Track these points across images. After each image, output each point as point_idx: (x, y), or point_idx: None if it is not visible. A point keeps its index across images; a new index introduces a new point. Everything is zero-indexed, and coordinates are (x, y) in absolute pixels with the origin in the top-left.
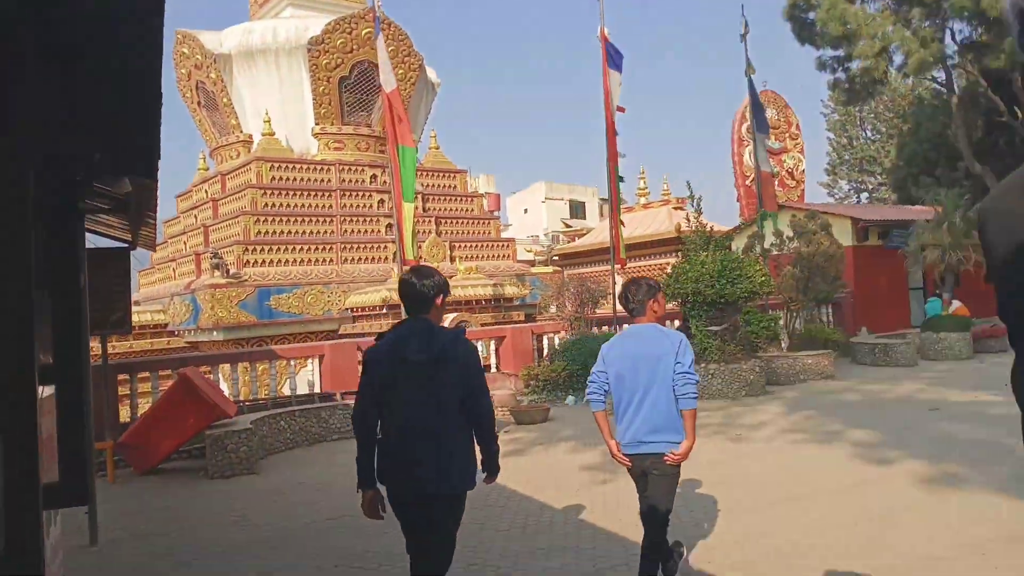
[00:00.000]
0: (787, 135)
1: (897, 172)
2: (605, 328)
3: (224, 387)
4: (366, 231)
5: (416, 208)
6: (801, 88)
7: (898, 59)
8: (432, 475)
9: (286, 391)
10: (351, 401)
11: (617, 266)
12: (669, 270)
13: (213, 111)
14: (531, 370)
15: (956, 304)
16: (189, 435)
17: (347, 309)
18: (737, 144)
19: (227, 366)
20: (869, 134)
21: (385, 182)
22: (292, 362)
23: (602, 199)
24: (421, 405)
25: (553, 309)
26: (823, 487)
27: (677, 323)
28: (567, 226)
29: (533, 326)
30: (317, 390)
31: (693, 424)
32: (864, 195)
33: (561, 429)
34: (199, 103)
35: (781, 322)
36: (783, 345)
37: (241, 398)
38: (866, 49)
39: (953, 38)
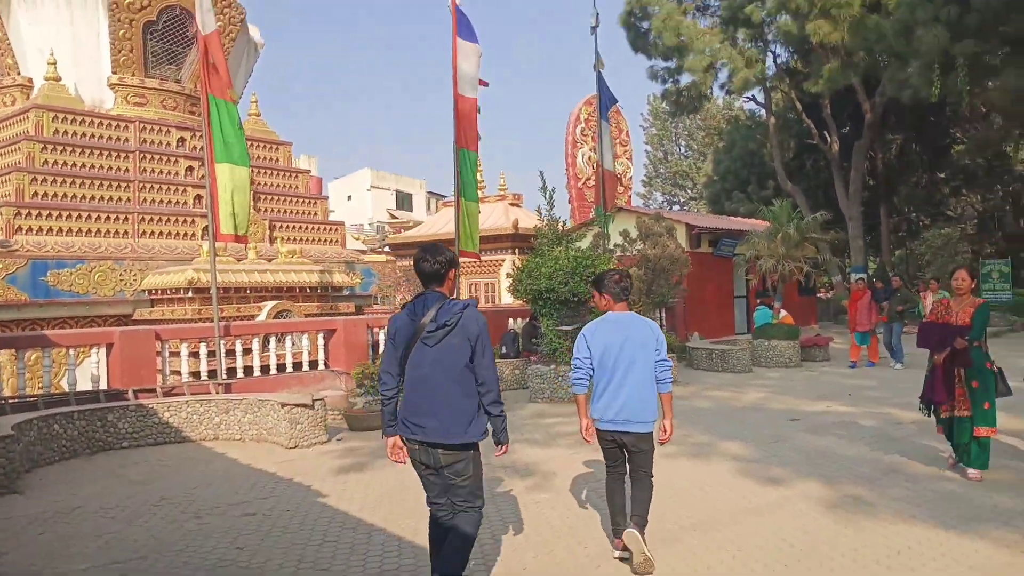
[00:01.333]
0: (617, 141)
1: (712, 186)
2: None
3: None
4: (171, 201)
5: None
6: (626, 98)
7: (722, 76)
8: (436, 425)
9: (64, 386)
10: (148, 399)
11: (466, 258)
12: (517, 264)
13: None
14: (365, 368)
15: (783, 313)
16: None
17: (144, 291)
18: (571, 146)
19: None
20: (683, 150)
21: (195, 147)
22: (72, 352)
23: (431, 192)
24: (432, 364)
25: (398, 300)
26: (724, 512)
27: (521, 321)
28: (393, 217)
29: (369, 319)
30: (103, 386)
31: (671, 405)
32: (676, 207)
33: None
34: None
35: None
36: None
37: (5, 394)
38: (696, 63)
39: (775, 61)
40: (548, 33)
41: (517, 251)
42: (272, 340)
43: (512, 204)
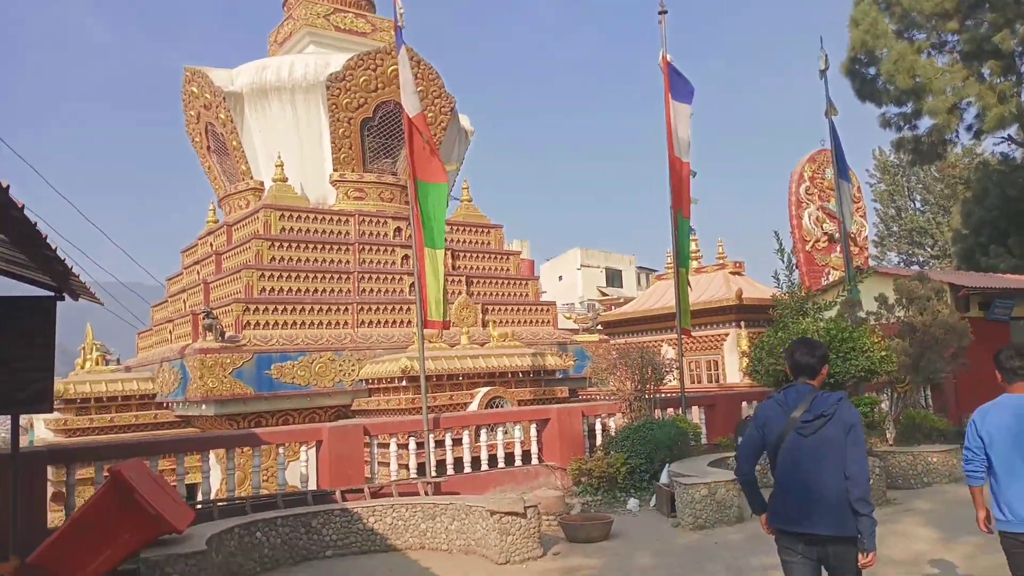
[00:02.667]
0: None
1: (963, 241)
2: (671, 411)
3: (182, 487)
4: (387, 290)
5: (446, 261)
6: (849, 154)
7: (968, 117)
8: (820, 516)
9: (280, 487)
10: (353, 504)
11: (654, 335)
12: (745, 340)
13: (223, 156)
14: (582, 463)
15: None
16: (122, 555)
17: (361, 380)
18: (795, 206)
19: (194, 455)
20: (919, 205)
21: (410, 236)
22: (282, 450)
23: (640, 268)
24: (809, 455)
25: (613, 384)
26: None
27: (749, 409)
28: (603, 294)
29: (584, 406)
30: (312, 486)
31: None
32: (915, 267)
33: (633, 553)
34: (208, 148)
35: (884, 406)
36: (888, 436)
37: (212, 497)
38: (937, 105)
39: None
40: (752, 95)
41: (742, 324)
42: (483, 431)
43: (733, 272)
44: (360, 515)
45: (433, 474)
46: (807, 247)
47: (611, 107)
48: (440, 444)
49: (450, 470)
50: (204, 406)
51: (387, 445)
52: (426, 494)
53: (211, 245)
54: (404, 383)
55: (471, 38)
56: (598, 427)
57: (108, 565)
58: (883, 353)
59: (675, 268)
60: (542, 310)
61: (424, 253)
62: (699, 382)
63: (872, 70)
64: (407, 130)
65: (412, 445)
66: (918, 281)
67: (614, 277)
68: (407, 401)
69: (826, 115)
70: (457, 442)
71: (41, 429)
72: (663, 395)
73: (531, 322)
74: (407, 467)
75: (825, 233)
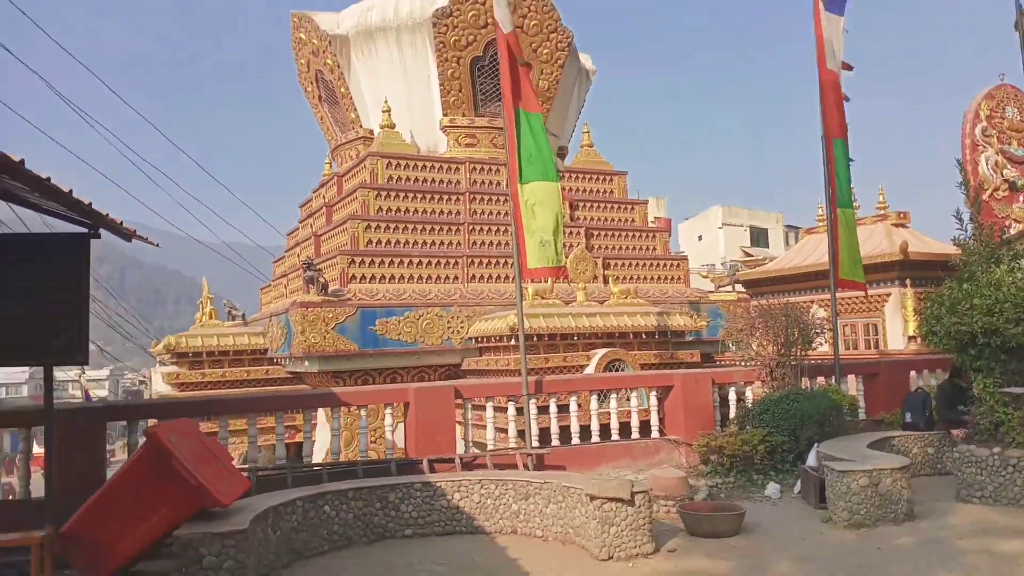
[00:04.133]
0: None
1: None
2: (821, 380)
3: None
4: (500, 243)
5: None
6: None
7: None
8: None
9: (362, 453)
10: (436, 477)
11: (845, 291)
12: (919, 297)
13: (333, 105)
14: (711, 439)
15: None
16: (163, 530)
17: (471, 338)
18: (970, 150)
19: (269, 415)
20: None
21: None
22: (363, 412)
23: (788, 226)
24: None
25: (752, 348)
26: None
27: (931, 377)
28: (747, 255)
29: (715, 372)
30: (397, 452)
31: None
32: None
33: (771, 556)
34: (319, 97)
35: None
36: None
37: (319, 460)
38: None
39: None
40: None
41: (908, 283)
42: (594, 398)
43: (896, 224)
44: (444, 490)
45: (535, 444)
46: (984, 196)
47: (765, 41)
48: (544, 411)
49: (555, 441)
50: (307, 362)
51: (483, 409)
52: (525, 467)
53: (323, 197)
54: (513, 342)
55: None
56: (732, 397)
57: (145, 540)
58: None
59: (829, 210)
60: (672, 265)
61: (518, 190)
62: (854, 348)
63: None
64: (502, 49)
65: (511, 411)
66: None
67: (759, 236)
68: (516, 362)
69: (1016, 26)
70: (564, 409)
71: (159, 383)
72: (813, 361)
73: (659, 279)
74: (506, 435)
75: (1005, 180)
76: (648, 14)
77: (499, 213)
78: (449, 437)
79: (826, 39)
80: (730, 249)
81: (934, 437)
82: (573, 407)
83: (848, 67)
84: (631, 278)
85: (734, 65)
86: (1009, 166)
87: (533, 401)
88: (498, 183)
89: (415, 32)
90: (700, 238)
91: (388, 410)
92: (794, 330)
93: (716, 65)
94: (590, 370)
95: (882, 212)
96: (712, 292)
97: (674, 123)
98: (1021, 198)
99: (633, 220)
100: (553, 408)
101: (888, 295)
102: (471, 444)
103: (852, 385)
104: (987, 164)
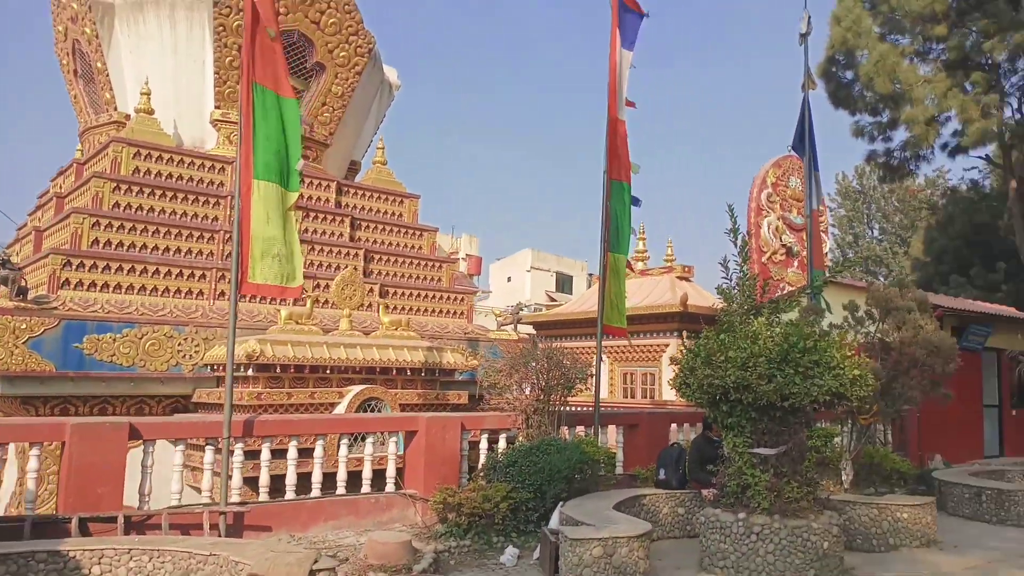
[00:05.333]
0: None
1: (924, 269)
2: (582, 430)
3: None
4: None
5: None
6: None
7: (945, 133)
8: None
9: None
10: (81, 542)
11: (613, 338)
12: (685, 345)
13: (89, 82)
14: (449, 495)
15: None
16: None
17: (206, 366)
18: (755, 213)
19: None
20: (876, 233)
21: (302, 196)
22: (11, 450)
23: (592, 274)
24: None
25: (512, 391)
26: None
27: (694, 431)
28: (551, 299)
29: (466, 417)
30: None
31: None
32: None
33: None
34: (75, 71)
35: (838, 441)
36: (844, 478)
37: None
38: (916, 114)
39: (1018, 110)
40: (717, 92)
41: (685, 334)
42: (320, 442)
43: (681, 278)
44: (80, 562)
45: (236, 499)
46: (763, 258)
47: (582, 87)
48: (254, 456)
49: (263, 495)
50: None
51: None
52: (215, 530)
53: (60, 187)
54: (251, 372)
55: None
56: (483, 446)
57: None
58: (856, 372)
59: (602, 252)
60: (455, 299)
61: (251, 185)
62: (632, 397)
63: (849, 74)
64: (246, 9)
65: (209, 457)
66: (897, 289)
67: (564, 282)
68: (252, 396)
69: (803, 88)
70: (280, 455)
71: None
72: (580, 408)
73: (441, 312)
74: (198, 488)
75: (783, 245)
76: (470, 44)
77: None
78: (114, 489)
79: (619, 75)
80: (536, 293)
81: (685, 496)
82: (292, 454)
83: (631, 104)
84: (411, 309)
85: (539, 106)
86: (788, 232)
87: (240, 445)
88: None
89: (192, 9)
90: (509, 279)
91: (34, 451)
92: (555, 374)
93: (523, 105)
94: (341, 409)
95: (669, 264)
96: (492, 330)
97: (492, 162)
98: (795, 263)
99: (420, 247)
100: (266, 454)
101: (667, 345)
102: (148, 499)
103: (613, 436)
104: (768, 228)
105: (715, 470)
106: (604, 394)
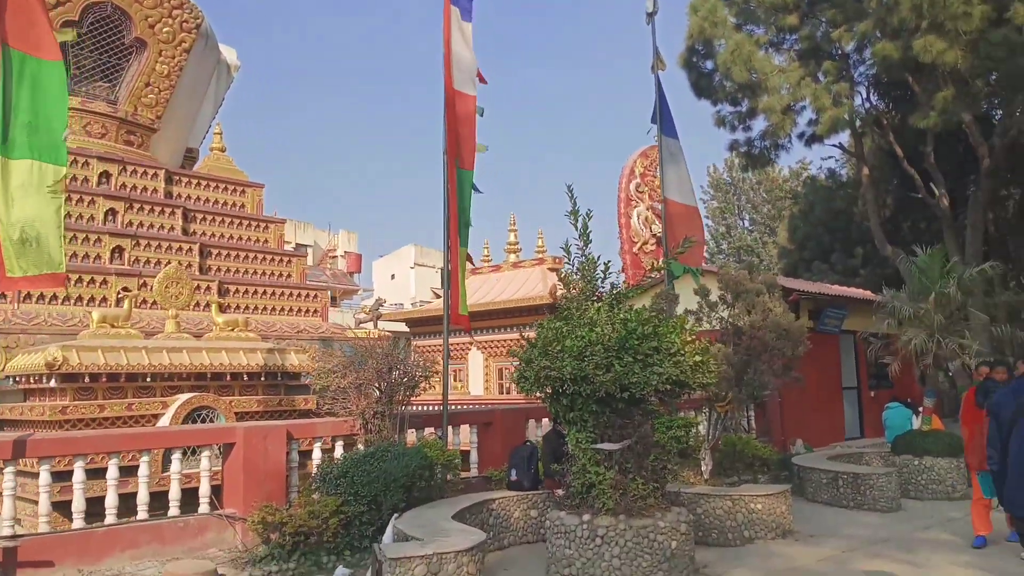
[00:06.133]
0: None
1: (788, 256)
2: (431, 431)
3: None
4: (78, 254)
5: (64, 181)
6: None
7: (801, 123)
8: None
9: None
10: None
11: (483, 332)
12: (525, 337)
13: None
14: (269, 513)
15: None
16: None
17: (7, 377)
18: (624, 204)
19: None
20: (747, 224)
21: (124, 185)
22: None
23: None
24: None
25: (350, 393)
26: None
27: (545, 430)
28: (436, 295)
29: (294, 425)
30: None
31: None
32: None
33: None
34: None
35: (700, 430)
36: (704, 468)
37: None
38: (772, 103)
39: (866, 99)
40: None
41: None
42: (113, 461)
43: (552, 269)
44: None
45: (45, 527)
46: (634, 248)
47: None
48: (30, 476)
49: (43, 525)
50: None
51: None
52: None
53: None
54: (54, 383)
55: None
56: (316, 456)
57: None
58: (697, 359)
59: (449, 237)
60: (308, 296)
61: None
62: (508, 392)
63: (709, 64)
64: None
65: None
66: (746, 272)
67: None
68: (56, 410)
69: (652, 69)
70: (65, 476)
71: None
72: (430, 408)
73: (291, 310)
74: None
75: (654, 235)
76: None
77: (84, 217)
78: None
79: (454, 51)
80: (422, 289)
81: (538, 498)
82: (78, 476)
83: (482, 80)
84: (256, 308)
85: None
86: (657, 222)
87: (47, 466)
88: (86, 179)
89: None
90: (393, 277)
91: None
92: (395, 371)
93: (368, 99)
94: (165, 421)
95: (540, 256)
96: (350, 328)
97: (372, 156)
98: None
99: (266, 241)
100: (45, 478)
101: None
102: None
103: (465, 436)
104: (638, 219)
105: (559, 469)
106: (480, 391)
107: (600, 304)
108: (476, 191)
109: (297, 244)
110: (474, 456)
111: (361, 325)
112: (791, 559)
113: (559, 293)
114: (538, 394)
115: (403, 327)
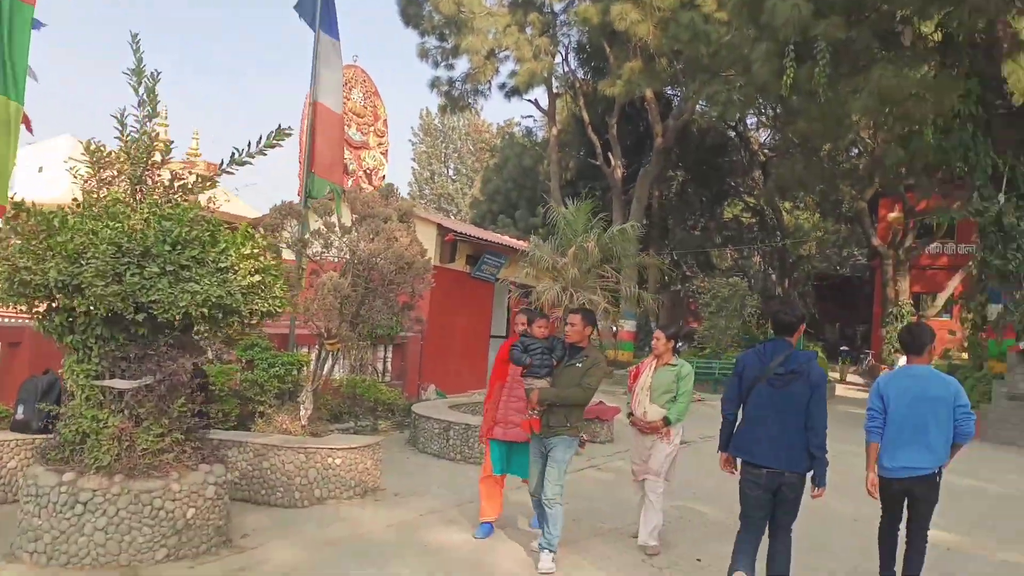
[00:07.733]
0: (372, 129)
1: (478, 207)
2: None
3: None
4: None
5: None
6: (398, 105)
7: (504, 73)
8: (769, 454)
9: None
10: None
11: None
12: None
13: None
14: None
15: None
16: None
17: None
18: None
19: None
20: (451, 172)
21: None
22: None
23: None
24: (775, 404)
25: None
26: None
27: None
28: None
29: None
30: None
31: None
32: None
33: None
34: None
35: (306, 372)
36: (303, 413)
37: None
38: (475, 44)
39: (564, 60)
40: None
41: None
42: None
43: (203, 176)
44: None
45: None
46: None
47: None
48: None
49: None
50: None
51: None
52: None
53: None
54: None
55: None
56: None
57: None
58: (255, 279)
59: None
60: None
61: None
62: None
63: None
64: None
65: None
66: (381, 195)
67: None
68: None
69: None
70: None
71: None
72: None
73: None
74: None
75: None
76: None
77: None
78: None
79: None
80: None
81: (48, 445)
82: None
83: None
84: None
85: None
86: (348, 150)
87: None
88: None
89: None
90: (40, 170)
91: None
92: None
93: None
94: None
95: (192, 158)
96: None
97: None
98: (350, 181)
99: None
100: None
101: None
102: None
103: None
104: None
105: (48, 408)
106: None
107: (147, 198)
108: (36, 27)
109: None
110: None
111: None
112: (357, 524)
113: (81, 172)
114: (21, 307)
115: None
